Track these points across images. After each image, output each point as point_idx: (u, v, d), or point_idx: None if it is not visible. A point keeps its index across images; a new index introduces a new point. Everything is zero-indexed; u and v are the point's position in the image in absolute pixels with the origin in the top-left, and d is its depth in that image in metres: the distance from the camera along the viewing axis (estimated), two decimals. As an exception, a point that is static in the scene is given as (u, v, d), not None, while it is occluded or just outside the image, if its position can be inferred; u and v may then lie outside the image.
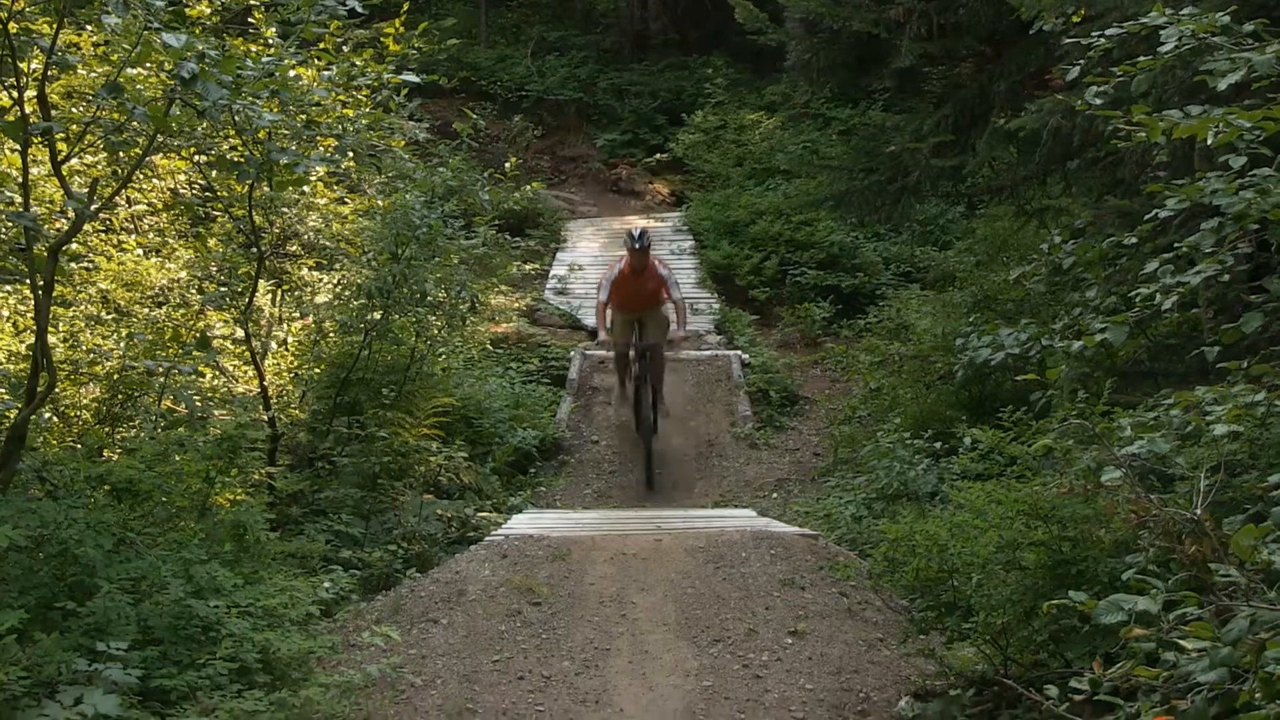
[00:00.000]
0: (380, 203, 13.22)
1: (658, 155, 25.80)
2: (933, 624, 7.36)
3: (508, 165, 15.62)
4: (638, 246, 12.40)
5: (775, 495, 13.15)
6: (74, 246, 9.19)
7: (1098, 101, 6.81)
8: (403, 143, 11.62)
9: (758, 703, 7.74)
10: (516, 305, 18.49)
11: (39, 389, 7.69)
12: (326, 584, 8.09)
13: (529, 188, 16.32)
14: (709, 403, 15.73)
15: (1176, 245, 6.56)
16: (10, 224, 8.53)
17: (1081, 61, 7.11)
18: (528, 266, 20.16)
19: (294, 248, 13.19)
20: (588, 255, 21.07)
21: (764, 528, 10.86)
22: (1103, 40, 6.94)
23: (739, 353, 17.11)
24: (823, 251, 19.53)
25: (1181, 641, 4.49)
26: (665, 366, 14.18)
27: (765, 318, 19.07)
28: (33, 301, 8.44)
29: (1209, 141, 5.80)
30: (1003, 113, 12.48)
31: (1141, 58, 6.52)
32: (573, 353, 16.97)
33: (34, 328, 8.38)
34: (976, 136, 13.05)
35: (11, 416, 7.95)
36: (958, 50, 14.37)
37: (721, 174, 23.22)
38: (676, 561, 9.84)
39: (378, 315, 11.96)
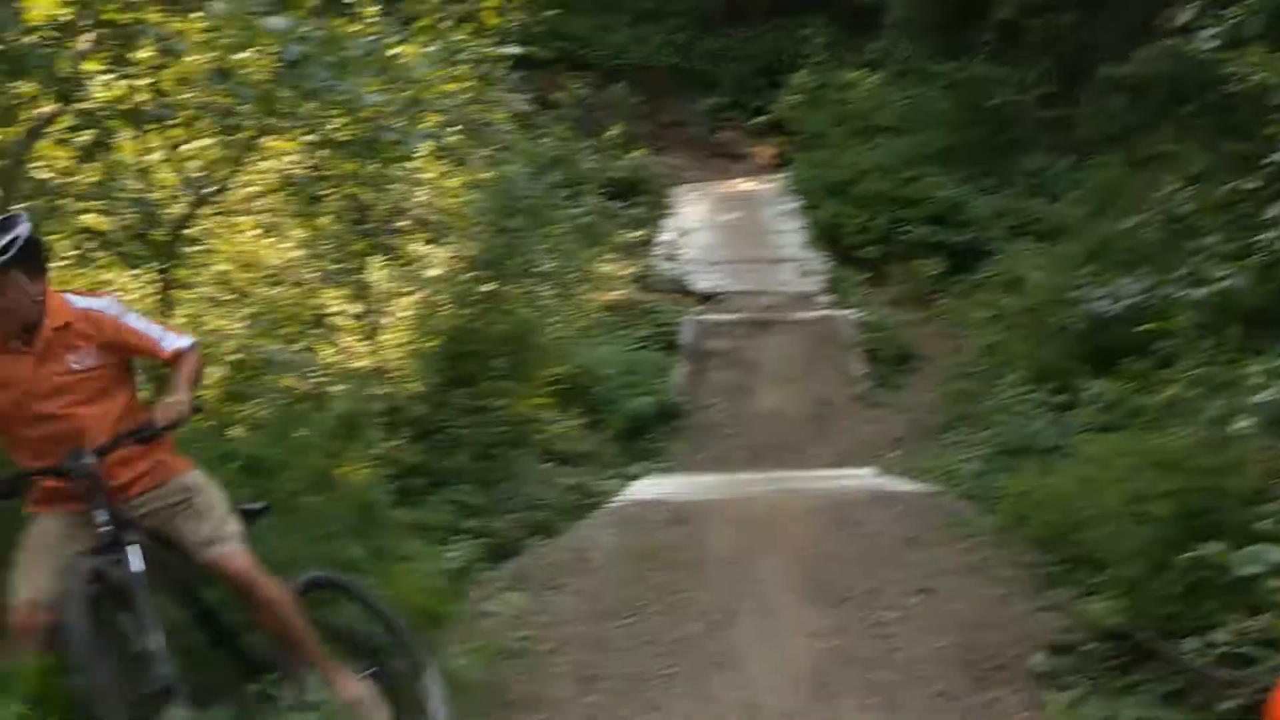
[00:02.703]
0: (486, 175, 13.24)
1: (759, 118, 25.60)
2: (1063, 578, 7.27)
3: (610, 133, 15.59)
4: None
5: (894, 454, 13.06)
6: (192, 229, 9.29)
7: (1210, 45, 6.65)
8: (505, 115, 11.64)
9: (887, 662, 7.68)
10: (625, 272, 18.46)
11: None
12: (452, 553, 8.15)
13: (633, 155, 16.26)
14: (821, 363, 15.63)
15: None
16: (131, 209, 8.65)
17: (1191, 5, 6.95)
18: (635, 234, 20.11)
19: (404, 223, 13.26)
20: (694, 220, 20.99)
21: (884, 486, 10.79)
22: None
23: (850, 312, 16.99)
24: (931, 208, 19.30)
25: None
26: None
27: (875, 276, 18.89)
28: (157, 285, 8.57)
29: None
30: (1109, 62, 12.26)
31: (1253, -1, 6.36)
32: (684, 317, 16.92)
33: (159, 310, 8.51)
34: (1081, 87, 12.84)
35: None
36: (1058, 0, 14.15)
37: (824, 134, 22.99)
38: (798, 522, 9.79)
39: (489, 287, 11.99)
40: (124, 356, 5.48)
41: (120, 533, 5.15)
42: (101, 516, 5.15)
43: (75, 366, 5.27)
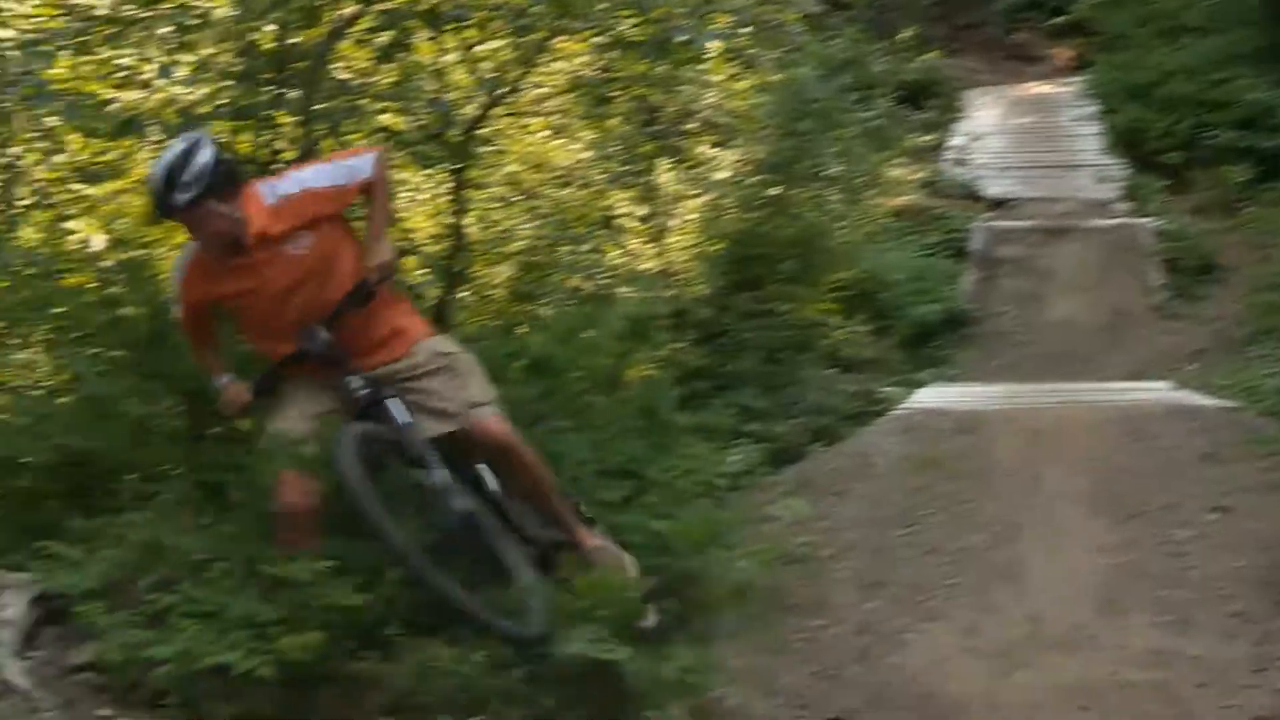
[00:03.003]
0: (776, 78, 13.13)
1: (1058, 19, 24.76)
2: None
3: (903, 35, 15.28)
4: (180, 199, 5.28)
5: (1191, 367, 12.59)
6: (484, 130, 9.43)
7: None
8: (796, 16, 11.49)
9: (1180, 579, 7.44)
10: (914, 177, 18.15)
11: (457, 269, 7.97)
12: (734, 457, 8.16)
13: (925, 58, 15.93)
14: (1117, 272, 15.15)
15: None
16: (427, 110, 8.82)
17: None
18: (925, 138, 19.73)
19: (692, 125, 13.26)
20: (987, 124, 20.50)
21: (1182, 400, 10.42)
22: None
23: (1149, 220, 16.39)
24: (1240, 111, 18.40)
25: None
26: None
27: (1177, 184, 18.15)
28: (449, 185, 8.73)
29: None
30: None
31: None
32: (974, 224, 16.58)
33: (451, 210, 8.67)
34: None
35: (432, 295, 8.27)
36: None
37: (1127, 34, 22.12)
38: (1088, 435, 9.53)
39: (776, 190, 11.93)
40: (331, 218, 5.49)
41: (377, 390, 5.27)
42: (355, 382, 5.28)
43: (294, 253, 5.34)
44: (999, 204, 17.50)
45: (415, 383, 5.45)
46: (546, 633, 4.91)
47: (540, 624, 4.96)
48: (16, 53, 7.29)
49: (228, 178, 5.33)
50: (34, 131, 8.64)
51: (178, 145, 5.32)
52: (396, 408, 5.26)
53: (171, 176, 5.17)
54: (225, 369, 5.66)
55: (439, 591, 4.77)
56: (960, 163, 19.00)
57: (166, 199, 5.19)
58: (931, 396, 11.06)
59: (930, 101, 21.30)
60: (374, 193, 5.53)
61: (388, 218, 5.63)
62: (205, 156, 5.23)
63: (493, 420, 5.48)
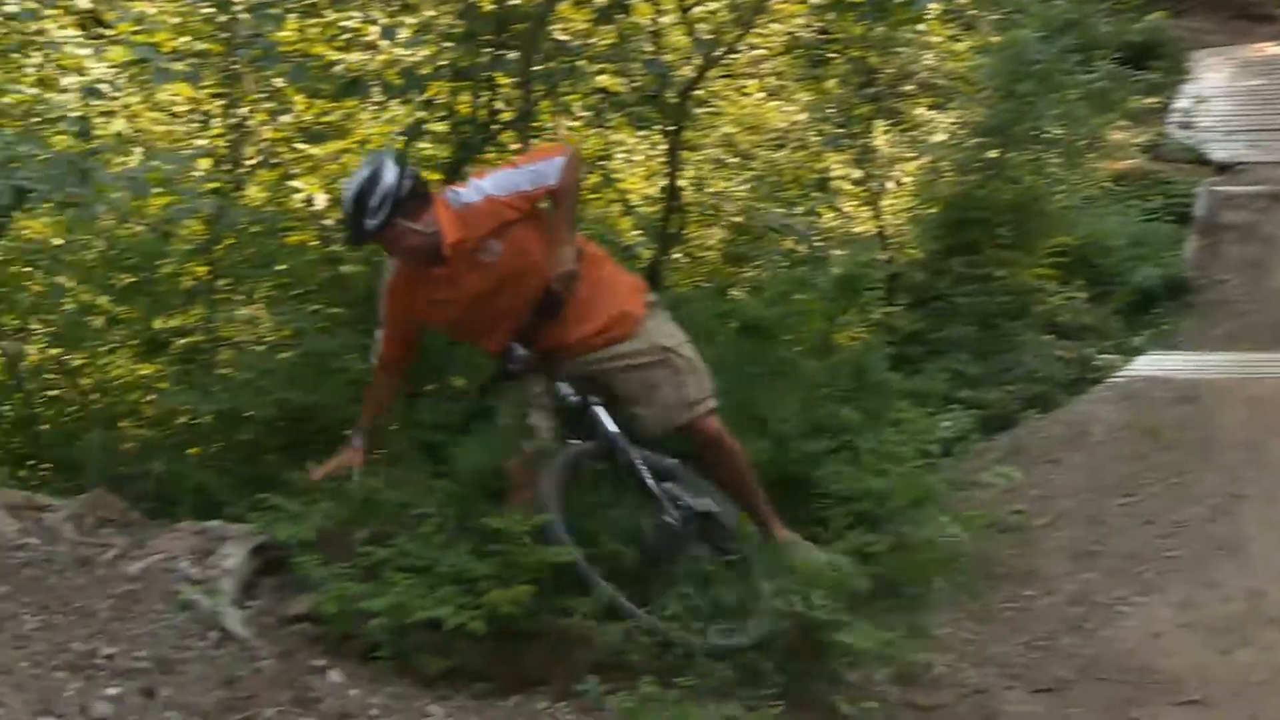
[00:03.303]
0: (995, 39, 12.94)
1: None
2: None
3: (1129, -6, 14.93)
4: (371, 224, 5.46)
5: None
6: (700, 91, 9.47)
7: None
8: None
9: None
10: (1137, 141, 17.72)
11: (671, 230, 8.03)
12: (946, 423, 8.10)
13: (1150, 18, 15.52)
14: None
15: None
16: (643, 71, 8.88)
17: None
18: (1148, 100, 19.22)
19: (910, 87, 13.14)
20: (1214, 86, 19.89)
21: None
22: None
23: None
24: None
25: None
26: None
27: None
28: (664, 146, 8.78)
29: None
30: None
31: None
32: (1198, 188, 16.12)
33: (666, 171, 8.73)
34: None
35: (646, 256, 8.34)
36: None
37: (1365, -9, 21.31)
38: (1319, 407, 9.23)
39: (994, 153, 11.77)
40: (521, 222, 5.58)
41: (585, 398, 5.35)
42: (564, 389, 5.37)
43: (488, 259, 5.49)
44: (1225, 168, 16.96)
45: (634, 374, 5.53)
46: (766, 636, 4.92)
47: (761, 627, 4.97)
48: (247, 15, 7.53)
49: (414, 194, 5.48)
50: (261, 92, 8.92)
51: (362, 170, 5.49)
52: (604, 415, 5.35)
53: (361, 202, 5.35)
54: (364, 428, 5.80)
55: (652, 631, 4.81)
56: (1185, 126, 18.45)
57: (359, 225, 5.39)
58: (1150, 364, 10.82)
59: (1155, 63, 20.71)
60: (558, 199, 5.60)
61: (572, 224, 5.67)
62: (390, 177, 5.38)
63: (710, 421, 5.56)
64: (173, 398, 7.58)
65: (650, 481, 5.23)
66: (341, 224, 5.59)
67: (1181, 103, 19.26)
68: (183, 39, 9.68)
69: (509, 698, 4.50)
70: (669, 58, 9.31)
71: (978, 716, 5.05)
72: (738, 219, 10.30)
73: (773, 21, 10.45)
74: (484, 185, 5.63)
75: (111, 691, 3.76)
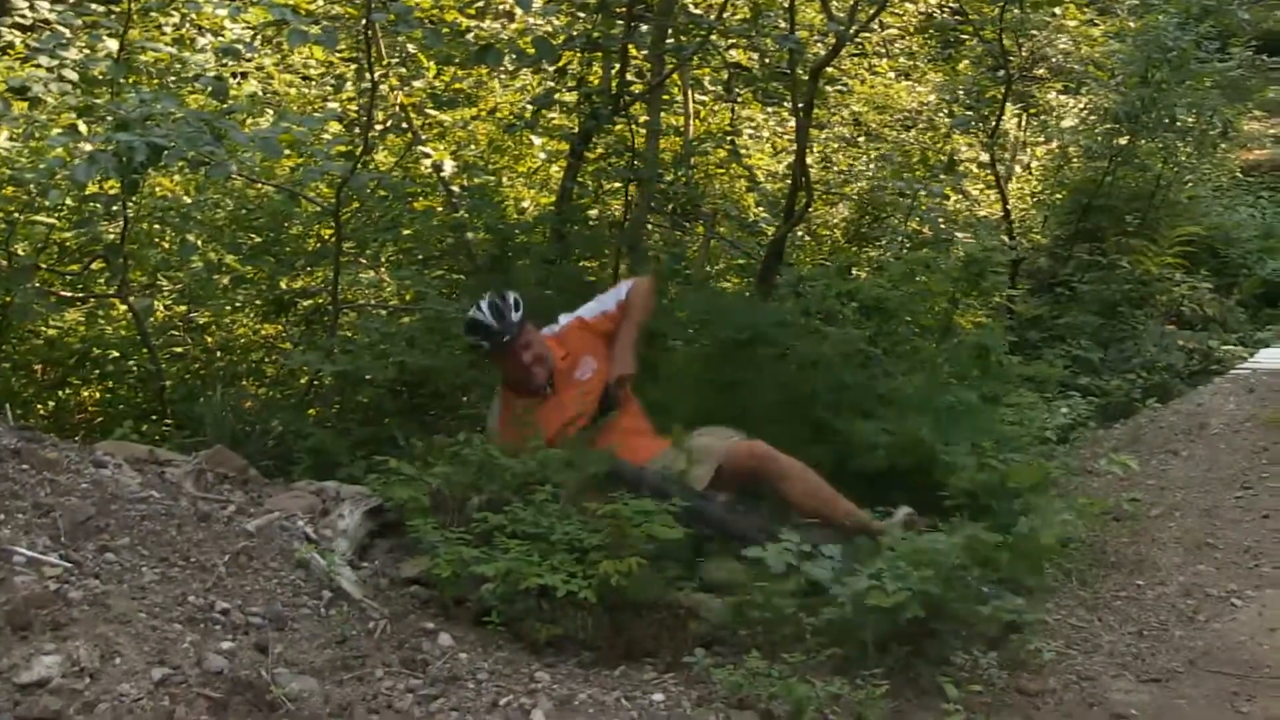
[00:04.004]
0: (1131, 24, 12.80)
1: None
2: None
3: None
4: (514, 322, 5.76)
5: None
6: (831, 70, 9.49)
7: None
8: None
9: None
10: (1272, 131, 17.43)
11: (796, 207, 8.07)
12: (1064, 409, 8.09)
13: (1292, 4, 15.27)
14: None
15: None
16: (775, 46, 8.92)
17: None
18: (1289, 90, 18.91)
19: (1042, 71, 13.05)
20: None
21: None
22: None
23: None
24: None
25: None
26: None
27: None
28: (792, 123, 8.81)
29: None
30: None
31: None
32: (1334, 182, 15.86)
33: (792, 148, 8.76)
34: None
35: (769, 233, 8.38)
36: None
37: None
38: None
39: (1123, 140, 11.66)
40: (608, 342, 5.96)
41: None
42: None
43: (583, 377, 5.82)
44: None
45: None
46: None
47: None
48: (382, -22, 7.64)
49: (529, 313, 5.82)
50: (394, 58, 9.06)
51: (483, 299, 5.82)
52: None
53: (496, 308, 5.72)
54: None
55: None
56: (1322, 117, 18.16)
57: (500, 324, 5.69)
58: (1273, 357, 10.70)
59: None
60: (627, 309, 5.98)
61: (637, 334, 5.97)
62: (511, 295, 5.79)
63: (744, 444, 5.65)
64: (295, 358, 7.75)
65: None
66: (478, 334, 5.81)
67: (1319, 92, 18.91)
68: (319, 2, 9.87)
69: (616, 667, 4.53)
70: (802, 34, 9.33)
71: (1084, 704, 5.03)
72: (864, 197, 10.32)
73: (907, 1, 10.43)
74: (573, 314, 6.07)
75: (226, 645, 3.81)
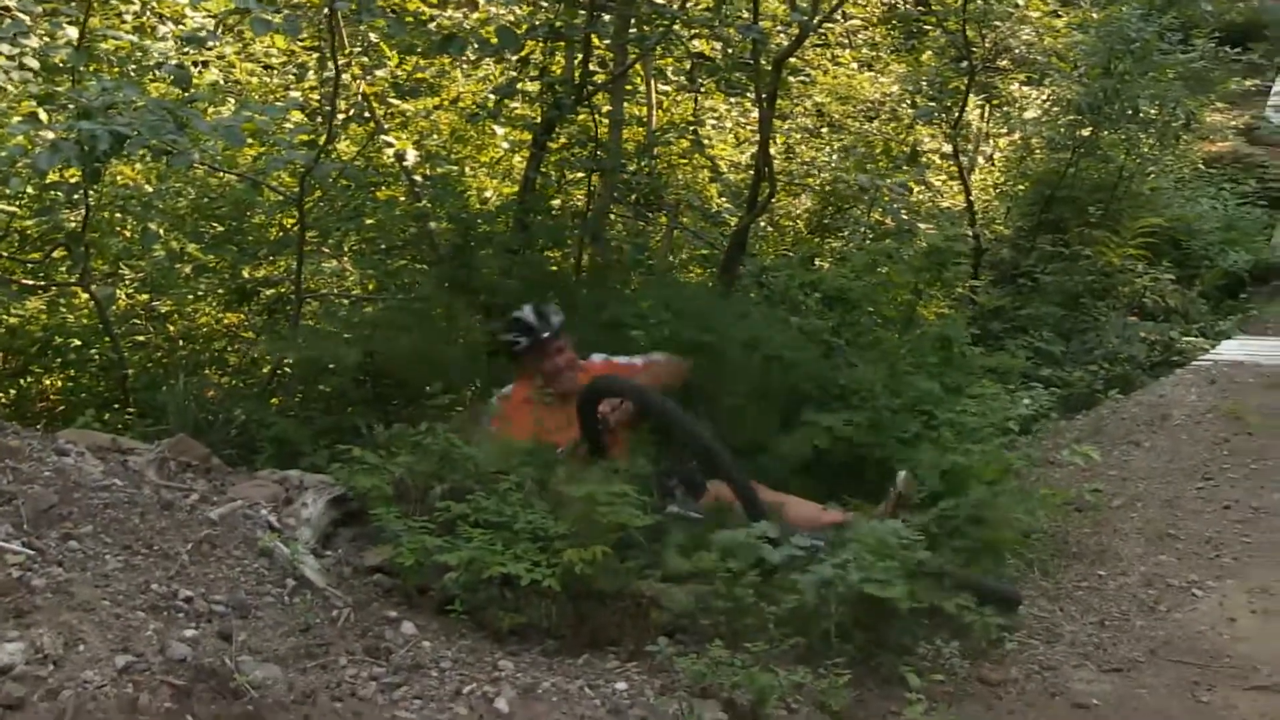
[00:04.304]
0: (1095, 15, 12.85)
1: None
2: None
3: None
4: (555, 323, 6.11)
5: None
6: (794, 60, 9.49)
7: None
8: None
9: None
10: (1234, 123, 17.52)
11: (759, 198, 8.06)
12: (1026, 400, 8.12)
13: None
14: None
15: None
16: (738, 36, 8.91)
17: None
18: (1247, 82, 18.97)
19: (1005, 62, 13.08)
20: (1314, 69, 19.62)
21: None
22: None
23: None
24: None
25: None
26: None
27: None
28: (755, 113, 8.80)
29: None
30: None
31: None
32: (1292, 174, 15.96)
33: (755, 139, 8.75)
34: None
35: (732, 223, 8.37)
36: None
37: None
38: (1406, 396, 9.16)
39: (1086, 132, 11.71)
40: None
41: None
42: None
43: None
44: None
45: None
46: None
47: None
48: (346, -35, 7.60)
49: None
50: (356, 47, 9.02)
51: (527, 305, 6.14)
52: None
53: (541, 314, 6.03)
54: None
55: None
56: (1282, 109, 18.26)
57: (543, 323, 5.99)
58: (1236, 349, 10.78)
59: (1255, 44, 20.45)
60: (651, 364, 6.25)
61: (650, 382, 6.04)
62: (553, 305, 6.14)
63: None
64: (258, 347, 7.73)
65: None
66: (518, 329, 5.96)
67: (1280, 86, 19.03)
68: (281, -9, 9.81)
69: (580, 656, 4.54)
70: (765, 24, 9.32)
71: (1046, 693, 5.06)
72: (826, 188, 10.32)
73: (869, -7, 10.46)
74: (605, 356, 6.30)
75: (189, 633, 3.80)
